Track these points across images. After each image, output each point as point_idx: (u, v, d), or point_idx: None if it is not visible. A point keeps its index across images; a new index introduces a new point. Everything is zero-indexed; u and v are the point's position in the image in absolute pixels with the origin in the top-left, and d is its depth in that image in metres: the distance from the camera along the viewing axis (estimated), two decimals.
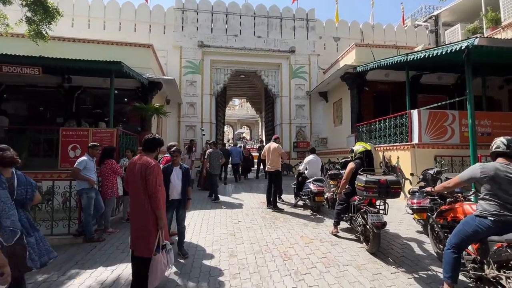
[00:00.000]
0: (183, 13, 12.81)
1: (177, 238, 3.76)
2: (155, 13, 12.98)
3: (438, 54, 5.20)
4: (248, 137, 41.25)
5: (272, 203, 5.98)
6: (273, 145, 6.12)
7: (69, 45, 8.75)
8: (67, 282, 2.98)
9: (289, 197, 7.24)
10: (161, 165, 3.38)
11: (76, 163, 4.30)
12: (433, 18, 14.45)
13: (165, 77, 8.99)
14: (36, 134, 6.64)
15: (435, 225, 3.31)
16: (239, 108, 41.75)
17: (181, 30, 12.67)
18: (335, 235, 4.28)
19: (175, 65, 12.39)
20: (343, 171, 4.83)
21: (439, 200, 3.50)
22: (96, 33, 11.65)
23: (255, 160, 12.35)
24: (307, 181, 5.98)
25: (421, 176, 5.03)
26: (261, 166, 11.53)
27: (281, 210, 5.91)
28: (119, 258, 3.61)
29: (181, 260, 3.50)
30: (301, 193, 6.20)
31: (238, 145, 14.63)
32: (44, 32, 5.55)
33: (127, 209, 5.46)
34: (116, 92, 9.63)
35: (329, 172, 6.25)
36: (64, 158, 5.51)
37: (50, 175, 5.04)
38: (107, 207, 4.60)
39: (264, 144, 12.15)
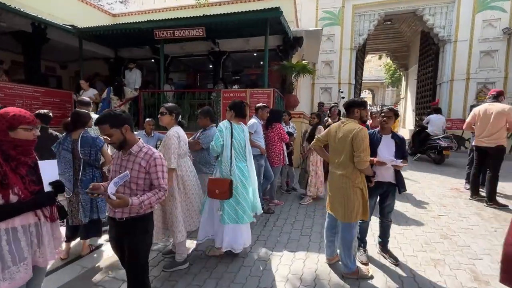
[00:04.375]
0: None
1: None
2: None
3: None
4: (370, 103, 35.86)
5: (487, 195, 3.99)
6: (497, 106, 3.90)
7: (217, 8, 8.88)
8: (260, 261, 2.53)
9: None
10: None
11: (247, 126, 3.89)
12: None
13: (311, 29, 7.78)
14: (192, 100, 7.18)
15: None
16: None
17: None
18: None
19: (310, 18, 10.90)
20: None
21: None
22: None
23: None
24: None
25: None
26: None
27: (504, 207, 3.87)
28: (302, 243, 2.96)
29: (393, 267, 2.45)
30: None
31: None
32: None
33: (286, 179, 4.97)
34: (254, 54, 9.42)
35: None
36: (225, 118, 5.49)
37: None
38: (274, 176, 4.13)
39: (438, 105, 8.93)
